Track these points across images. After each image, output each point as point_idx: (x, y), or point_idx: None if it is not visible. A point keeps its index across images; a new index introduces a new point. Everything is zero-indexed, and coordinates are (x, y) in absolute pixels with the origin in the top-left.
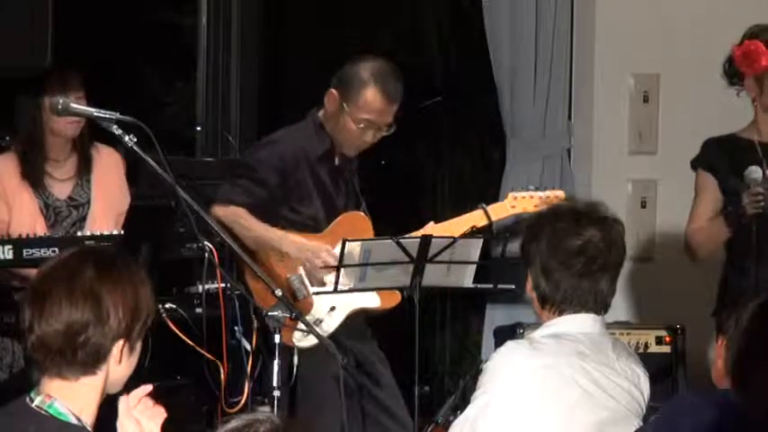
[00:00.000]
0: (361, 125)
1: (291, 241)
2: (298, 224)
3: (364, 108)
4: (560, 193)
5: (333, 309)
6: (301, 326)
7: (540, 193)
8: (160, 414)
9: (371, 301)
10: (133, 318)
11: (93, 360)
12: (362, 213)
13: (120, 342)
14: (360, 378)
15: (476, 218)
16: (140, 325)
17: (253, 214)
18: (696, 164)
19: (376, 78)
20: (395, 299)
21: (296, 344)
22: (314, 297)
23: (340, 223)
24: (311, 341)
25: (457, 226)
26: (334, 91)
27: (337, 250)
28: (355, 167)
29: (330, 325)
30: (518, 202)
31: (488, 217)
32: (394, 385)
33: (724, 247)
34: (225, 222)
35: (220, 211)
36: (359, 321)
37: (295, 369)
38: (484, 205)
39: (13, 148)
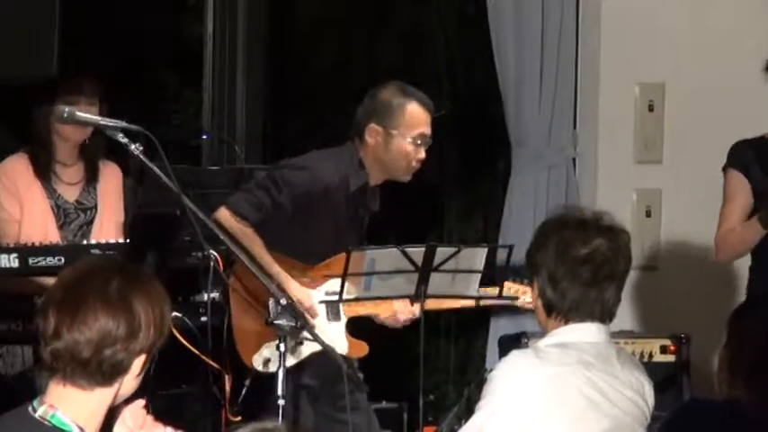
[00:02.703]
0: (418, 141)
1: (281, 286)
2: (294, 251)
3: (414, 124)
4: None
5: (300, 343)
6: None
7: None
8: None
9: (339, 347)
10: (159, 333)
11: (114, 373)
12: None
13: (143, 357)
14: (364, 387)
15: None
16: (162, 340)
17: (257, 230)
18: (728, 164)
19: (409, 95)
20: (362, 349)
21: (254, 367)
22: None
23: (335, 261)
24: (272, 369)
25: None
26: (373, 125)
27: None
28: (375, 208)
29: (291, 359)
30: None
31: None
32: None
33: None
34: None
35: (230, 220)
36: None
37: (244, 391)
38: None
39: (24, 150)
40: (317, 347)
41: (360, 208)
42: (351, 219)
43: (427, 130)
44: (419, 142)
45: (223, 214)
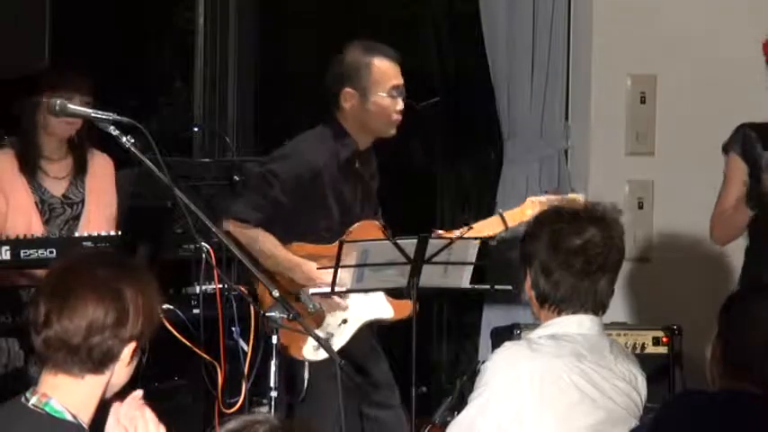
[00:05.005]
0: (394, 94)
1: (303, 274)
2: (311, 236)
3: (385, 79)
4: (579, 197)
5: (344, 322)
6: (311, 340)
7: (557, 198)
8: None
9: (384, 311)
10: (149, 322)
11: (105, 360)
12: (376, 222)
13: (133, 344)
14: (356, 378)
15: (492, 224)
16: (151, 329)
17: (266, 228)
18: (728, 148)
19: (372, 51)
20: (407, 308)
21: (306, 357)
22: (326, 310)
23: (353, 233)
24: (323, 355)
25: (471, 233)
26: (347, 89)
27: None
28: (375, 171)
29: (342, 338)
30: (535, 207)
31: (505, 223)
32: (390, 381)
33: (747, 233)
34: (239, 242)
35: (236, 230)
36: None
37: (306, 383)
38: (501, 211)
39: (9, 144)
40: (364, 319)
41: (360, 174)
42: (354, 187)
43: (399, 80)
44: (394, 94)
45: (230, 228)
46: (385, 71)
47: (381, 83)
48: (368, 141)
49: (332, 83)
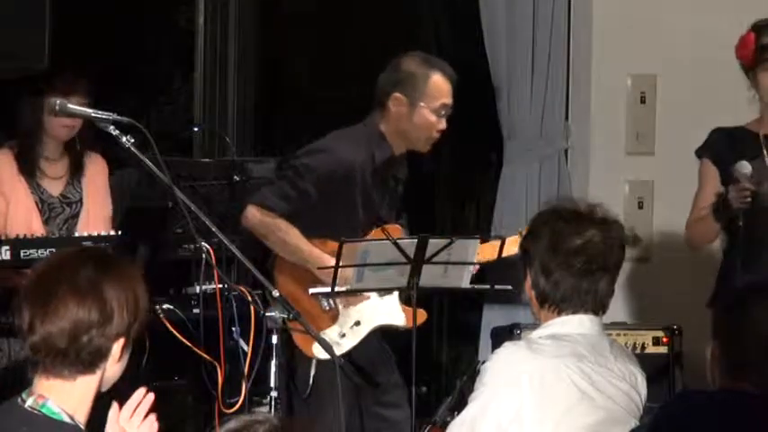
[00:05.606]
0: (441, 112)
1: (321, 269)
2: (332, 234)
3: (437, 95)
4: None
5: (357, 323)
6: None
7: None
8: (151, 426)
9: (397, 318)
10: (135, 316)
11: (94, 359)
12: (398, 226)
13: (121, 340)
14: (356, 379)
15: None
16: (138, 323)
17: (289, 220)
18: (700, 152)
19: (432, 65)
20: (420, 316)
21: (316, 356)
22: (340, 309)
23: (374, 236)
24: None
25: (491, 248)
26: (398, 94)
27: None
28: (404, 177)
29: (353, 340)
30: None
31: None
32: (399, 381)
33: (724, 234)
34: (260, 228)
35: (259, 214)
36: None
37: (311, 380)
38: (522, 230)
39: (7, 145)
40: (377, 323)
41: (389, 179)
42: (383, 190)
43: (449, 100)
44: (442, 113)
45: (250, 211)
46: (440, 87)
47: (433, 98)
48: (402, 148)
49: (383, 84)
